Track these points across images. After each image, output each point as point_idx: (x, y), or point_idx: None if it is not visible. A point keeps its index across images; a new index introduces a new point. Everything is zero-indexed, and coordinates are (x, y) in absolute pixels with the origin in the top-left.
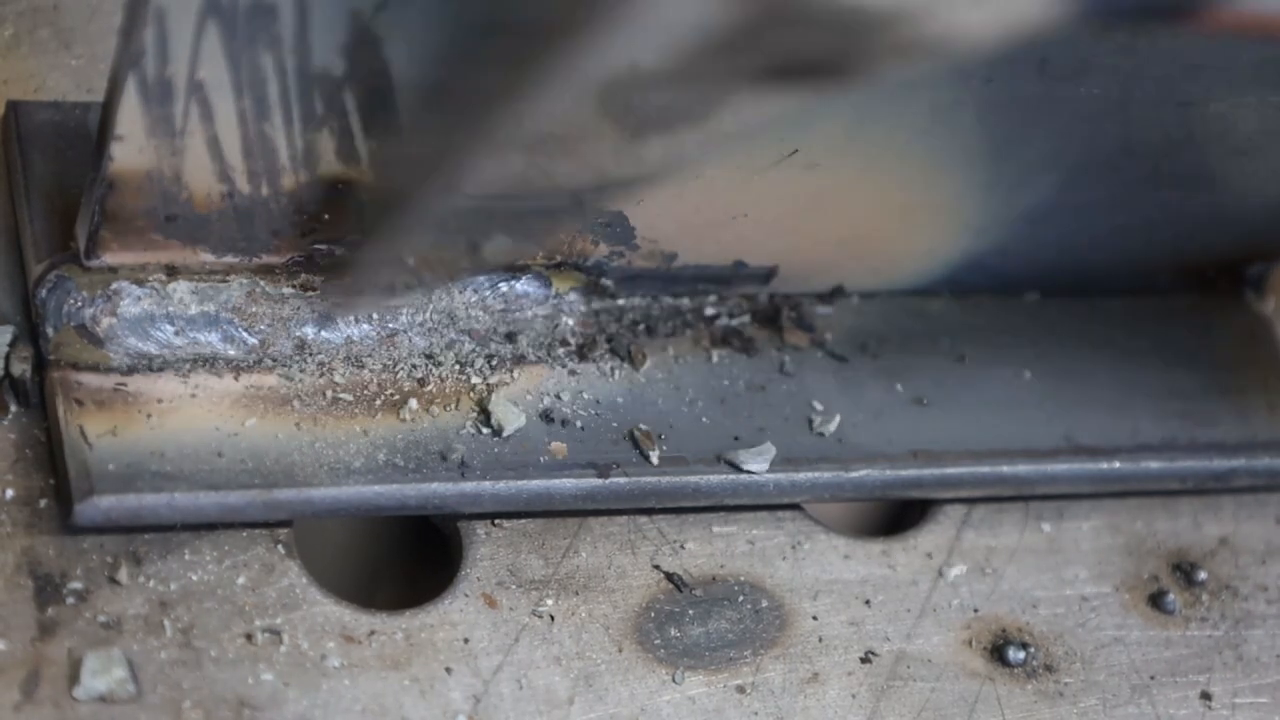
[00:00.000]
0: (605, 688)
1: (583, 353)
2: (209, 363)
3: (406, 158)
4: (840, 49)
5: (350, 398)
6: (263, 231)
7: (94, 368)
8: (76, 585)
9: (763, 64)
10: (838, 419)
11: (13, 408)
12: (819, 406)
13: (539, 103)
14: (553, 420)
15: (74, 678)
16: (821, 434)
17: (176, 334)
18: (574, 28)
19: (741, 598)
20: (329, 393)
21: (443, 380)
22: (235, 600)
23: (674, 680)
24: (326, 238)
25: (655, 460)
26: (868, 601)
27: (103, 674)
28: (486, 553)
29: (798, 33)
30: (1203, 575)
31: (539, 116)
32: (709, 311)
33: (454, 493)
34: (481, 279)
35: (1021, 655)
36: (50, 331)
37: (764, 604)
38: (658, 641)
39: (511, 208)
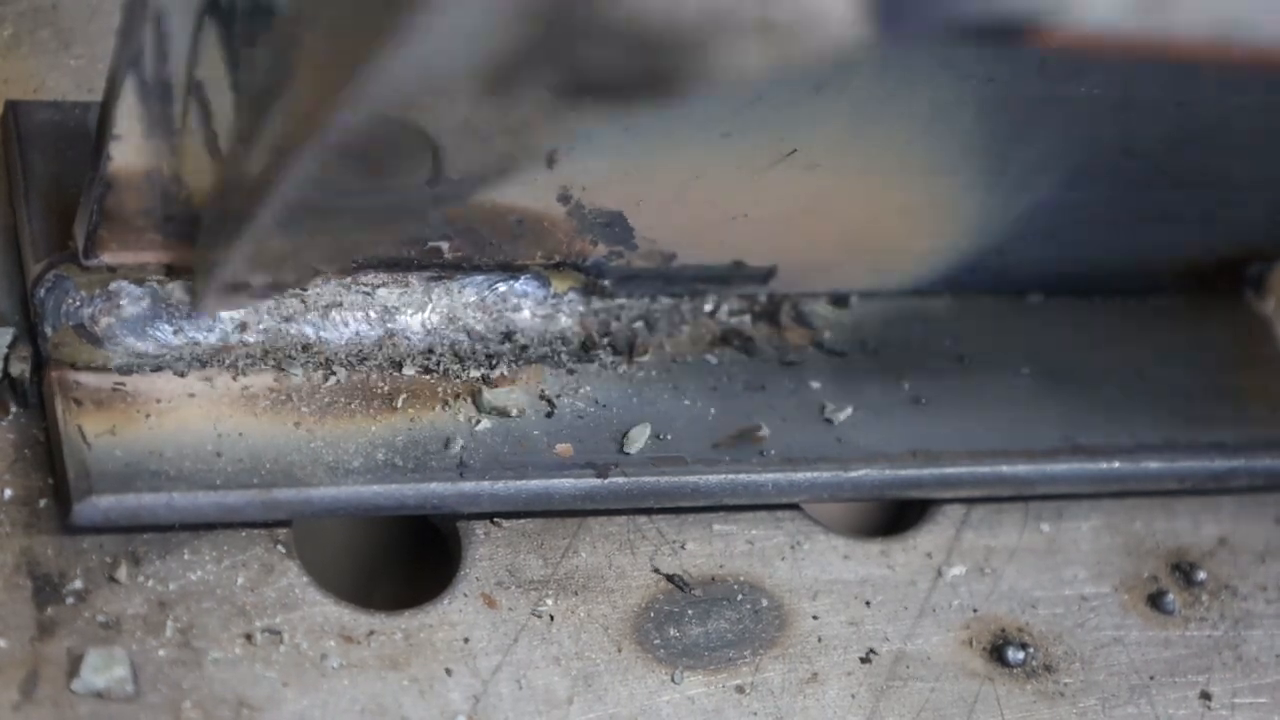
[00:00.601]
0: (605, 688)
1: (582, 352)
2: (208, 362)
3: (236, 159)
4: (636, 68)
5: (350, 397)
6: None
7: (93, 367)
8: (75, 585)
9: (565, 79)
10: (849, 410)
11: (12, 408)
12: (819, 387)
13: (343, 111)
14: (552, 420)
15: (74, 675)
16: (830, 420)
17: (175, 334)
18: (370, 34)
19: (741, 598)
20: (328, 392)
21: (442, 380)
22: (234, 600)
23: (673, 680)
24: None
25: (651, 459)
26: (867, 602)
27: (103, 671)
28: (486, 553)
29: (595, 50)
30: (1202, 575)
31: (343, 125)
32: (708, 311)
33: (453, 492)
34: (481, 278)
35: (1021, 655)
36: (49, 331)
37: (763, 604)
38: (657, 641)
39: (340, 208)
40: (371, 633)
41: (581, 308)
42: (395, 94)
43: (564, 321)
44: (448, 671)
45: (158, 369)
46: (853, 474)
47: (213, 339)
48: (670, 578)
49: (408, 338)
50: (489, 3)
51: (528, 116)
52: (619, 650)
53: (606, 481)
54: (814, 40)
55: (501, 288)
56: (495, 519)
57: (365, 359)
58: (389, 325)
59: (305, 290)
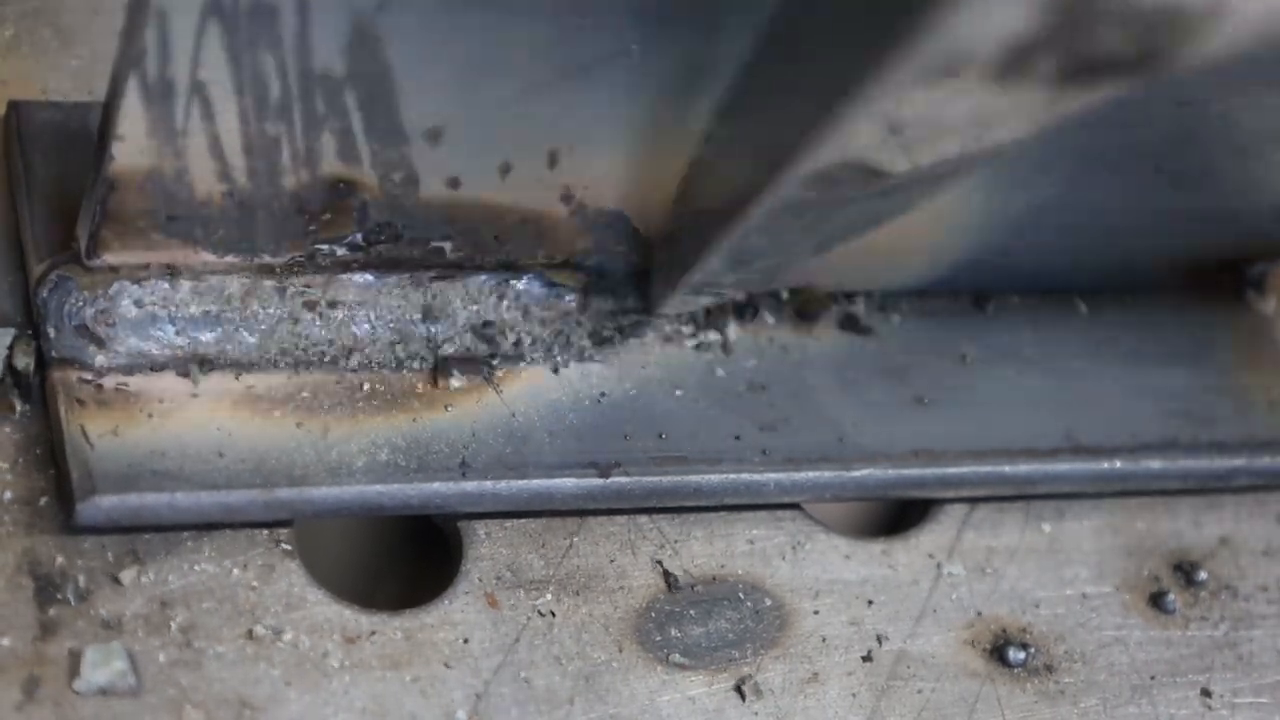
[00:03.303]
0: (606, 687)
1: (583, 352)
2: (210, 362)
3: (712, 168)
4: (1139, 47)
5: (352, 397)
6: (264, 231)
7: (95, 368)
8: (78, 585)
9: (1073, 62)
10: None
11: (18, 406)
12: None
13: (840, 128)
14: (554, 419)
15: (75, 675)
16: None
17: (177, 333)
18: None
19: (742, 597)
20: (331, 392)
21: (445, 379)
22: (236, 600)
23: (674, 680)
24: (327, 238)
25: (653, 459)
26: (869, 601)
27: (103, 666)
28: (487, 552)
29: (1100, 32)
30: (1203, 575)
31: (838, 142)
32: (710, 311)
33: (455, 492)
34: (483, 278)
35: (1022, 655)
36: (51, 331)
37: (765, 604)
38: (658, 640)
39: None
40: (373, 632)
41: (583, 308)
42: (911, 82)
43: (566, 322)
44: (449, 671)
45: (160, 369)
46: (855, 474)
47: (215, 339)
48: (671, 577)
49: (410, 337)
50: None
51: (1033, 101)
52: (620, 650)
53: (609, 481)
54: None
55: (503, 287)
56: (496, 518)
57: (368, 359)
58: (391, 325)
59: (313, 289)
